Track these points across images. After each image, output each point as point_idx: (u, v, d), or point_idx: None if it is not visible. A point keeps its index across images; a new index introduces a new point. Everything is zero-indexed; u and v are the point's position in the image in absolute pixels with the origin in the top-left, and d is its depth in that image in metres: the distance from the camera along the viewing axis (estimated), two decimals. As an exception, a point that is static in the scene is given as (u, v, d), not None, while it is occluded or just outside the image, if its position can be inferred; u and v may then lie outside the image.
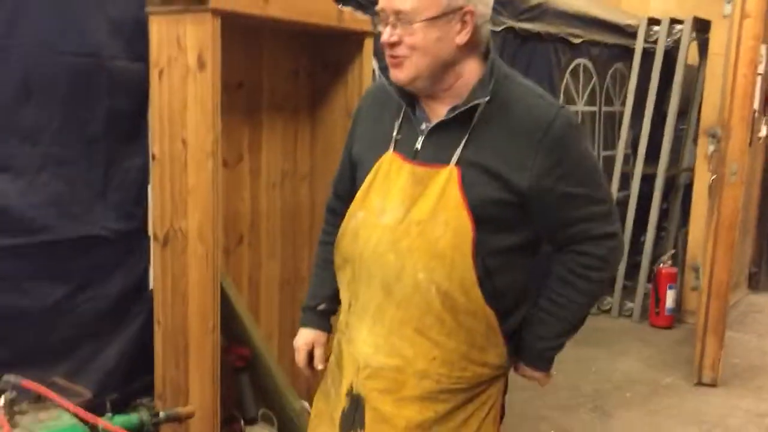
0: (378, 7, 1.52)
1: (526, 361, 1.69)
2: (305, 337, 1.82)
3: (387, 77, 1.59)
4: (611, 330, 4.88)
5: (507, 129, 1.52)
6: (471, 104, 1.51)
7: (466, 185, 1.50)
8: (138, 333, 2.49)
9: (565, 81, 4.70)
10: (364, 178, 1.63)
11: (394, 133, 1.61)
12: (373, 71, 2.81)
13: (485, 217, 1.51)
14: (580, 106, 4.96)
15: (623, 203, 5.18)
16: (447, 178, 1.51)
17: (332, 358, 1.77)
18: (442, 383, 1.59)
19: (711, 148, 4.32)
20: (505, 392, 1.71)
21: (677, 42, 5.06)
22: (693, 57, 5.25)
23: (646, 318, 5.02)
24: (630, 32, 5.19)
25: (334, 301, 1.79)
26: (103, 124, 2.29)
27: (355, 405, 1.65)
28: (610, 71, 5.25)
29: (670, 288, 4.87)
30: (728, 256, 3.88)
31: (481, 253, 1.51)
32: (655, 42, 5.11)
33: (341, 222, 1.68)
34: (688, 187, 5.15)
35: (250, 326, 2.56)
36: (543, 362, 1.69)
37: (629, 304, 5.14)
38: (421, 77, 1.52)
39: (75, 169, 2.25)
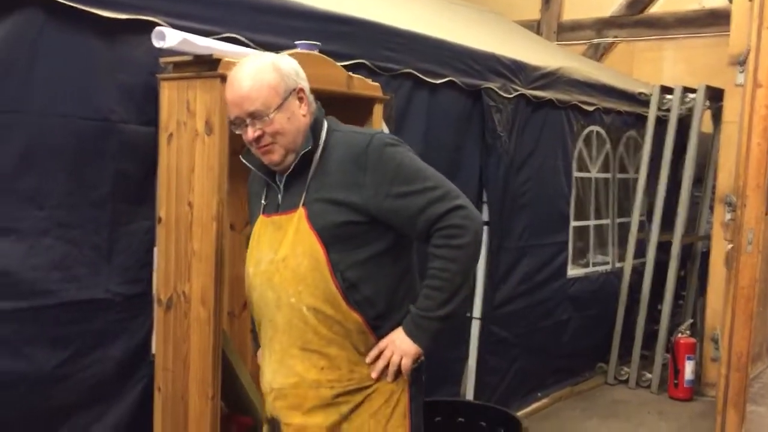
0: (231, 117, 1.86)
1: (406, 329, 1.88)
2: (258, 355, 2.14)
3: (249, 161, 1.98)
4: (629, 402, 4.74)
5: (337, 164, 1.87)
6: (300, 154, 1.87)
7: (312, 218, 1.85)
8: (139, 400, 2.43)
9: (578, 148, 4.70)
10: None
11: (263, 201, 2.00)
12: (383, 137, 2.82)
13: (333, 239, 1.83)
14: (594, 173, 4.94)
15: (639, 271, 5.11)
16: (298, 217, 1.86)
17: None
18: (336, 388, 1.89)
19: (727, 216, 4.26)
20: (414, 391, 1.95)
21: (690, 110, 5.06)
22: (707, 124, 5.25)
23: (665, 389, 4.87)
24: (643, 100, 5.21)
25: None
26: (110, 187, 2.29)
27: (273, 426, 1.98)
28: (624, 138, 5.25)
29: (689, 359, 4.74)
30: (747, 327, 3.77)
31: (339, 269, 1.84)
32: (668, 110, 5.12)
33: None
34: (706, 255, 5.07)
35: (253, 394, 2.49)
36: (420, 331, 1.87)
37: (647, 375, 5.00)
38: (289, 152, 1.87)
39: (80, 232, 2.23)
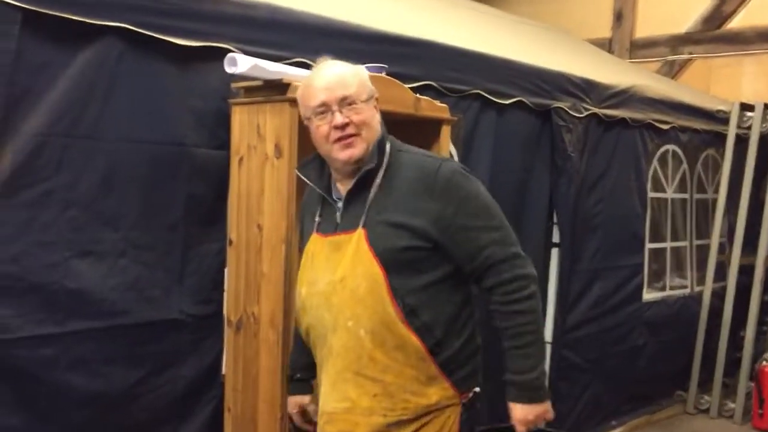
0: (317, 103, 1.82)
1: (522, 399, 1.83)
2: (292, 402, 2.14)
3: (303, 173, 1.98)
4: (710, 432, 4.55)
5: (403, 186, 1.83)
6: (362, 172, 1.83)
7: (372, 240, 1.80)
8: (209, 419, 2.46)
9: (653, 168, 4.56)
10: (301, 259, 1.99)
11: (317, 218, 1.96)
12: (450, 155, 2.81)
13: (394, 263, 1.79)
14: (670, 194, 4.79)
15: (719, 295, 4.90)
16: (357, 238, 1.82)
17: None
18: (389, 417, 1.81)
19: (814, 237, 4.06)
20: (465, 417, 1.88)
21: (773, 127, 4.86)
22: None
23: (749, 419, 4.64)
24: (721, 118, 5.03)
25: (311, 366, 2.03)
26: (183, 210, 2.34)
27: None
28: (702, 157, 5.06)
29: (775, 388, 4.50)
30: (839, 355, 3.56)
31: (398, 293, 1.79)
32: (749, 128, 4.92)
33: None
34: (791, 279, 4.83)
35: (321, 416, 2.49)
36: (535, 392, 1.84)
37: (730, 404, 4.78)
38: (367, 150, 1.83)
39: (154, 254, 2.29)
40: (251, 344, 2.32)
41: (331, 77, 1.82)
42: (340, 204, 1.91)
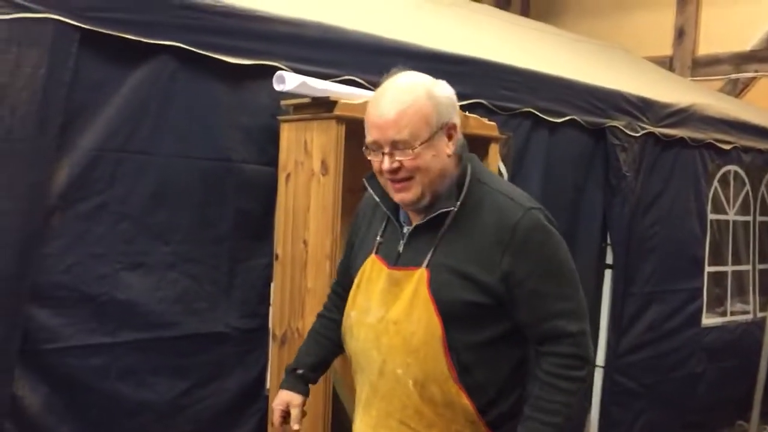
0: (371, 140, 1.64)
1: None
2: (281, 397, 1.91)
3: (372, 186, 1.75)
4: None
5: (477, 231, 1.64)
6: (437, 212, 1.65)
7: (434, 286, 1.63)
8: (252, 433, 2.48)
9: (713, 189, 4.43)
10: (355, 276, 1.80)
11: (378, 237, 1.77)
12: (499, 173, 2.78)
13: (454, 316, 1.62)
14: (732, 216, 4.63)
15: (784, 322, 4.71)
16: (418, 279, 1.65)
17: None
18: None
19: None
20: None
21: (843, 148, 4.67)
22: None
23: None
24: (787, 137, 4.86)
25: (316, 369, 1.95)
26: (231, 225, 2.38)
27: None
28: (766, 179, 4.90)
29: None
30: None
31: (455, 348, 1.63)
32: (817, 148, 4.74)
33: (341, 303, 1.86)
34: None
35: (364, 434, 2.48)
36: None
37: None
38: (425, 193, 1.64)
39: (202, 267, 2.34)
40: (295, 359, 2.33)
41: (383, 115, 1.60)
42: (405, 230, 1.72)
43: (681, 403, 4.24)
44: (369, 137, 1.64)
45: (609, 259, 3.76)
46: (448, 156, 1.65)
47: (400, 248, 1.72)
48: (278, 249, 2.42)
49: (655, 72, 5.36)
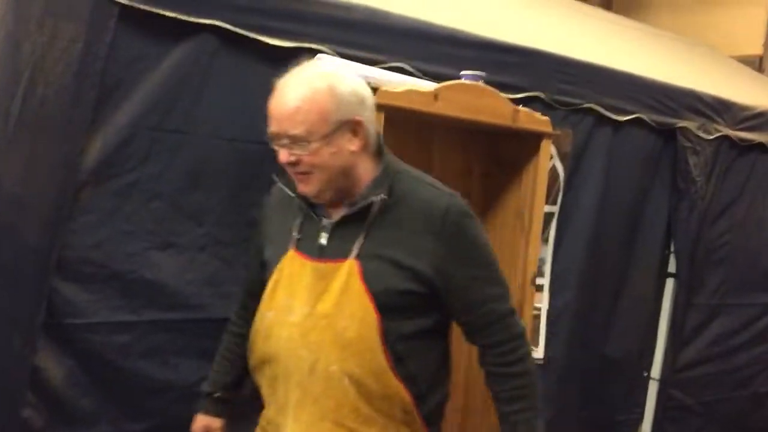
0: (271, 131, 1.61)
1: None
2: (200, 422, 1.94)
3: (283, 182, 1.71)
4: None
5: (405, 221, 1.62)
6: (367, 202, 1.61)
7: (368, 277, 1.59)
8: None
9: (795, 198, 4.13)
10: (270, 276, 1.73)
11: (295, 233, 1.70)
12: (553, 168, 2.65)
13: (390, 306, 1.60)
14: (814, 228, 4.32)
15: None
16: (348, 271, 1.60)
17: None
18: None
19: None
20: None
21: None
22: None
23: None
24: None
25: (232, 389, 1.95)
26: (264, 208, 2.34)
27: None
28: None
29: None
30: None
31: (390, 339, 1.60)
32: None
33: (251, 317, 1.78)
34: None
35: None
36: None
37: None
38: (325, 189, 1.62)
39: (233, 250, 2.29)
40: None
41: (281, 108, 1.58)
42: (325, 222, 1.68)
43: (743, 424, 4.00)
44: (269, 127, 1.62)
45: (672, 268, 3.57)
46: (352, 152, 1.61)
47: (323, 241, 1.66)
48: (312, 237, 2.36)
49: (739, 72, 5.04)
